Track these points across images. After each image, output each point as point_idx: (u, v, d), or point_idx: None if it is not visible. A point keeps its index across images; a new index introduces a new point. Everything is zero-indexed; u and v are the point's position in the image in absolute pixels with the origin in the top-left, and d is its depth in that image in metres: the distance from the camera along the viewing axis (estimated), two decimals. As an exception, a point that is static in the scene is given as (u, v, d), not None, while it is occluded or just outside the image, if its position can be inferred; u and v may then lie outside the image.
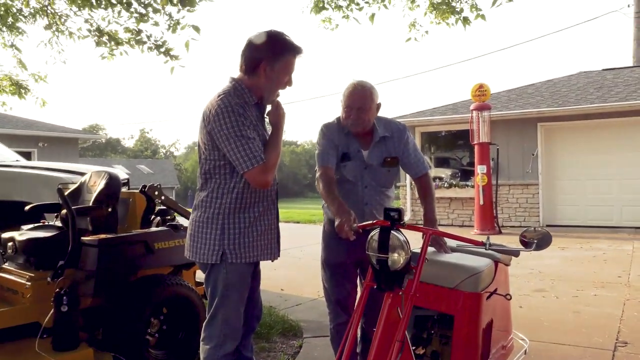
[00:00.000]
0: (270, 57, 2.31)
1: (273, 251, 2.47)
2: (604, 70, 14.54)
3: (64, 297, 2.91)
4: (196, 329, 3.44)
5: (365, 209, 2.90)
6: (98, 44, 5.96)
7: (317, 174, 2.82)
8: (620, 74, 13.64)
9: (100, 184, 3.57)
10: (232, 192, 2.31)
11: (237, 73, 2.40)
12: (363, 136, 2.90)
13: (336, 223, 2.39)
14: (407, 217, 12.72)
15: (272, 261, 2.49)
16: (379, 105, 2.88)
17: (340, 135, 2.89)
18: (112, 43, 5.96)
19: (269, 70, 2.32)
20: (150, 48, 5.91)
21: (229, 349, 2.35)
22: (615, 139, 11.18)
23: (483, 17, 5.76)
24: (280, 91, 2.43)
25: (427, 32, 6.31)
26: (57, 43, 6.39)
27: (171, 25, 5.50)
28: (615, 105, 10.81)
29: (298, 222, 13.96)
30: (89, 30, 6.00)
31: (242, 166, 2.22)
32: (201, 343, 2.39)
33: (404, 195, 13.10)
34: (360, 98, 2.80)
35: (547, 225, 11.31)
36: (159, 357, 3.29)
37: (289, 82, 2.41)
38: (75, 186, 3.89)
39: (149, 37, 5.87)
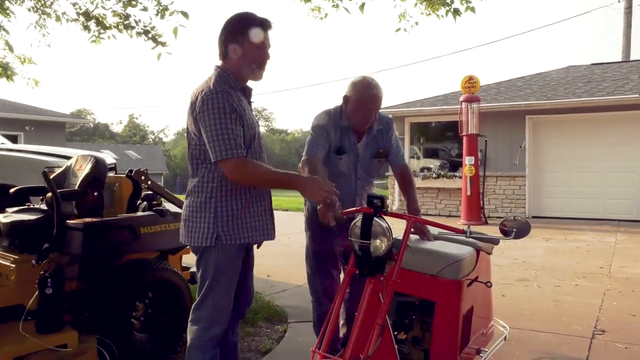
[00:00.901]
0: (234, 35, 2.33)
1: (269, 232, 2.47)
2: (592, 64, 14.66)
3: (49, 280, 2.90)
4: (181, 313, 3.46)
5: (357, 200, 2.96)
6: (85, 28, 5.89)
7: (303, 159, 2.84)
8: (609, 69, 13.76)
9: (86, 168, 3.56)
10: (222, 176, 2.30)
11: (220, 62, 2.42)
12: (359, 130, 2.93)
13: (319, 208, 2.41)
14: (395, 206, 12.80)
15: (259, 245, 2.52)
16: None
17: (337, 128, 2.91)
18: (100, 27, 5.90)
19: (237, 49, 2.33)
20: (138, 33, 5.85)
21: (216, 332, 2.37)
22: (601, 133, 11.30)
23: (473, 9, 5.77)
24: (265, 68, 2.40)
25: (417, 23, 6.31)
26: (44, 26, 6.31)
27: (159, 10, 5.45)
28: (602, 99, 10.92)
29: (287, 210, 13.96)
30: (77, 14, 5.93)
31: (215, 154, 2.20)
32: (189, 324, 2.40)
33: (392, 185, 13.17)
34: (377, 101, 2.85)
35: (533, 217, 11.45)
36: (144, 341, 3.31)
37: (263, 56, 2.37)
38: (60, 170, 3.88)
39: (137, 21, 5.82)
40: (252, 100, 2.47)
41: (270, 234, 2.48)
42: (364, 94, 2.82)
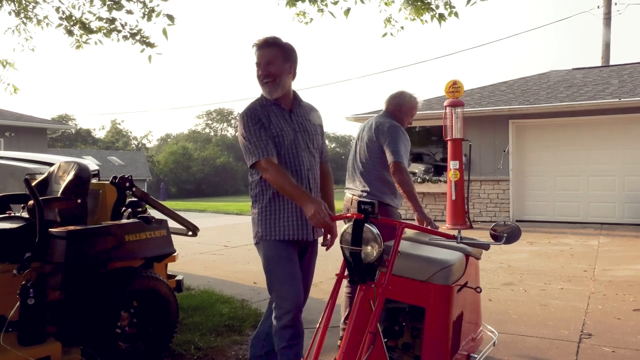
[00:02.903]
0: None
1: (306, 232, 2.61)
2: (574, 69, 14.86)
3: (31, 290, 2.84)
4: (167, 322, 3.41)
5: None
6: (69, 33, 5.80)
7: (405, 171, 3.31)
8: (590, 73, 13.96)
9: (69, 175, 3.49)
10: (259, 180, 2.61)
11: None
12: None
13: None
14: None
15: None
16: None
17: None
18: (85, 32, 5.82)
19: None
20: (125, 37, 5.79)
21: (286, 321, 2.53)
22: (583, 137, 11.45)
23: (456, 14, 5.82)
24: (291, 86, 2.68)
25: (402, 27, 6.35)
26: (25, 30, 6.20)
27: (146, 13, 5.40)
28: (583, 104, 11.06)
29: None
30: (61, 19, 5.84)
31: (248, 161, 2.55)
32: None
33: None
34: None
35: (517, 221, 11.53)
36: (129, 350, 3.25)
37: (258, 74, 2.61)
38: (43, 177, 3.80)
39: (123, 25, 5.75)
40: (292, 109, 2.68)
41: (309, 234, 2.62)
42: (418, 103, 3.52)
